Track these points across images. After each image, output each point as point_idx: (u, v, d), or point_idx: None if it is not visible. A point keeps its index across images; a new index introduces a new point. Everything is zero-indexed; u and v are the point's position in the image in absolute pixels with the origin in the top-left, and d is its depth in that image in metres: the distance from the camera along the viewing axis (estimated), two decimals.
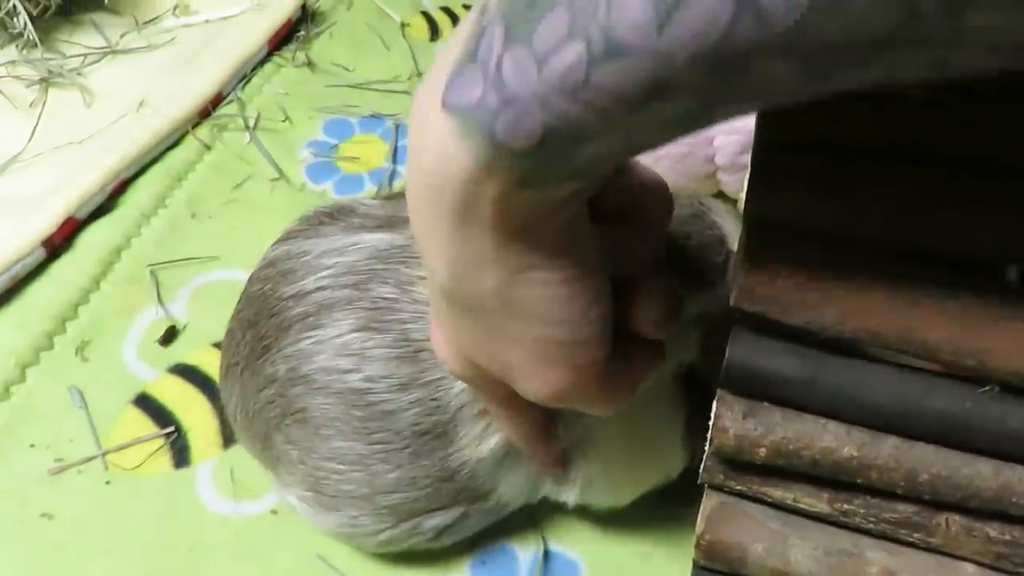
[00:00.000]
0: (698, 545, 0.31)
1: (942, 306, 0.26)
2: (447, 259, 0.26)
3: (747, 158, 0.54)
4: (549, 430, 0.36)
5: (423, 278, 0.37)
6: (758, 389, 0.28)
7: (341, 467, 0.38)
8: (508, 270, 0.26)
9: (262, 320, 0.39)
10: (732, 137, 0.54)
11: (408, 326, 0.37)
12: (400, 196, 0.44)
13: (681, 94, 0.20)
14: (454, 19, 0.79)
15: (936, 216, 0.26)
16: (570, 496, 0.40)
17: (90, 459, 0.47)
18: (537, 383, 0.29)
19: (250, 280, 0.42)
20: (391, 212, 0.41)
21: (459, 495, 0.39)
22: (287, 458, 0.40)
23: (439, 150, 0.23)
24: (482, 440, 0.37)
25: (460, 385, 0.36)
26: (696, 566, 0.32)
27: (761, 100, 0.22)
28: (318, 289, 0.38)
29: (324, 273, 0.38)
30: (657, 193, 0.32)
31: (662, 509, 0.43)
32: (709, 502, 0.31)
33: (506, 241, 0.25)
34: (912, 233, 0.26)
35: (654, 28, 0.19)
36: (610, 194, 0.30)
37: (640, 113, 0.21)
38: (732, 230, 0.37)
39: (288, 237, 0.42)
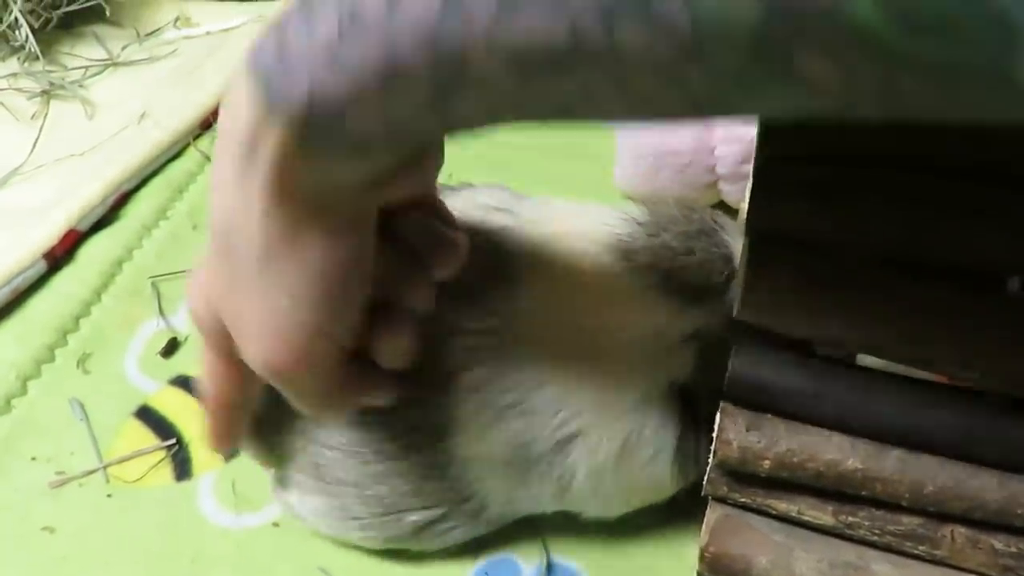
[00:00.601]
0: (702, 557, 0.31)
1: (945, 317, 0.26)
2: (226, 201, 0.27)
3: (749, 167, 0.54)
4: (241, 411, 0.36)
5: None
6: (762, 401, 0.28)
7: (338, 455, 0.39)
8: (276, 232, 0.26)
9: None
10: (734, 147, 0.54)
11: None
12: None
13: (414, 81, 0.22)
14: None
15: (939, 227, 0.26)
16: (550, 505, 0.40)
17: (91, 472, 0.47)
18: (260, 350, 0.29)
19: None
20: None
21: (443, 495, 0.39)
22: (290, 448, 0.40)
23: (236, 100, 0.25)
24: (478, 442, 0.38)
25: (462, 388, 0.37)
26: None
27: (489, 105, 0.22)
28: None
29: None
30: (446, 248, 0.33)
31: (666, 521, 0.43)
32: (713, 514, 0.31)
33: (281, 204, 0.26)
34: (915, 244, 0.26)
35: (385, 7, 0.21)
36: (408, 224, 0.31)
37: (385, 92, 0.22)
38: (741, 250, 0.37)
39: None
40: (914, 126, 0.26)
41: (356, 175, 0.26)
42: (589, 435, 0.36)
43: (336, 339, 0.30)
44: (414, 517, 0.40)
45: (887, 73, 0.17)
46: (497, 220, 0.38)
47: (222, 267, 0.29)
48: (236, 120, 0.25)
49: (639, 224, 0.38)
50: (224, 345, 0.31)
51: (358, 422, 0.38)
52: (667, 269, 0.36)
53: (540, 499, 0.40)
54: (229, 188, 0.27)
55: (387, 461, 0.38)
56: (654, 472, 0.38)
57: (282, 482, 0.42)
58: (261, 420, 0.41)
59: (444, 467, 0.38)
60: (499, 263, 0.37)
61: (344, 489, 0.40)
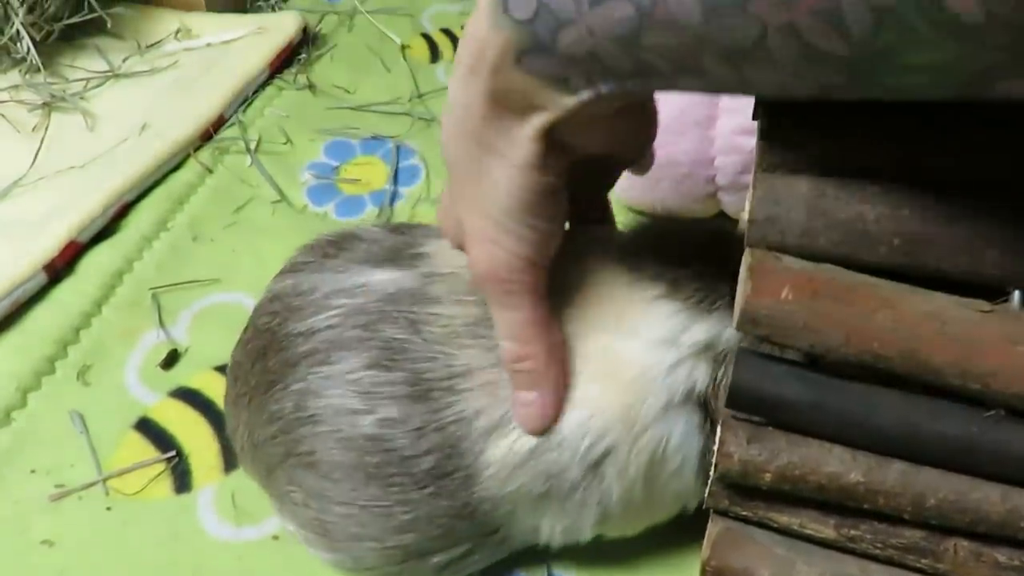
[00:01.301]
0: (704, 571, 0.31)
1: (947, 329, 0.26)
2: (455, 101, 0.31)
3: (748, 178, 0.54)
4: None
5: (434, 314, 0.37)
6: (763, 413, 0.28)
7: (353, 511, 0.37)
8: (489, 139, 0.30)
9: (270, 354, 0.39)
10: (733, 157, 0.54)
11: (419, 366, 0.36)
12: (403, 226, 0.44)
13: (621, 5, 0.24)
14: (454, 41, 0.79)
15: (940, 238, 0.26)
16: (583, 534, 0.39)
17: (91, 484, 0.47)
18: (475, 253, 0.33)
19: (256, 312, 0.41)
20: (396, 244, 0.40)
21: (472, 532, 0.38)
22: (290, 499, 0.39)
23: (474, 19, 0.29)
24: (508, 479, 0.36)
25: (479, 427, 0.36)
26: None
27: (678, 32, 0.24)
28: (328, 327, 0.37)
29: (333, 312, 0.37)
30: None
31: (667, 535, 0.43)
32: (715, 527, 0.31)
33: (495, 112, 0.29)
34: (916, 255, 0.26)
35: None
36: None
37: (595, 9, 0.25)
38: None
39: (293, 270, 0.41)
40: (914, 139, 0.26)
41: (559, 108, 0.28)
42: (619, 452, 0.36)
43: (535, 254, 0.33)
44: (438, 559, 0.39)
45: None
46: None
47: (449, 181, 0.33)
48: (471, 36, 0.29)
49: (648, 228, 0.38)
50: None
51: (373, 475, 0.37)
52: (673, 278, 0.35)
53: (580, 525, 0.39)
54: (458, 88, 0.30)
55: (413, 512, 0.37)
56: (680, 484, 0.37)
57: (279, 512, 0.41)
58: (251, 455, 0.41)
59: (474, 508, 0.37)
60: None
61: (360, 544, 0.38)
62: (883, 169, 0.26)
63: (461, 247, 0.35)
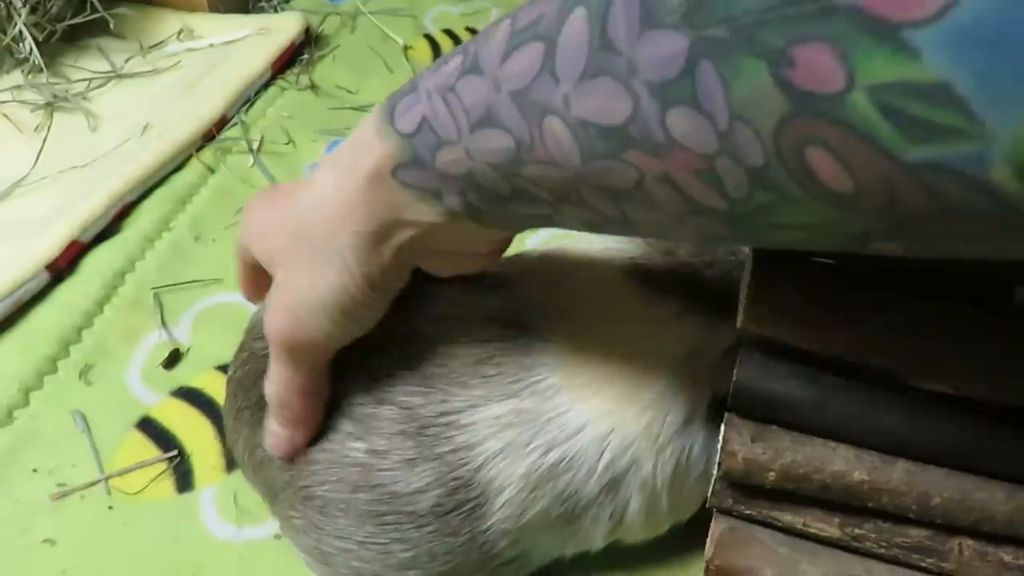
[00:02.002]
0: (707, 570, 0.31)
1: (952, 329, 0.26)
2: (323, 184, 0.31)
3: None
4: None
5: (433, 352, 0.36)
6: (767, 412, 0.28)
7: (351, 547, 0.36)
8: (339, 236, 0.30)
9: (264, 374, 0.37)
10: None
11: (412, 400, 0.35)
12: None
13: (501, 129, 0.25)
14: (456, 41, 0.79)
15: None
16: (600, 543, 0.39)
17: (93, 484, 0.47)
18: (280, 320, 0.33)
19: (249, 334, 0.41)
20: None
21: (485, 564, 0.37)
22: (291, 524, 0.38)
23: (366, 119, 0.30)
24: (526, 509, 0.35)
25: (484, 455, 0.34)
26: None
27: (557, 168, 0.24)
28: None
29: None
30: None
31: (670, 535, 0.43)
32: (718, 526, 0.31)
33: (357, 217, 0.30)
34: (913, 259, 0.26)
35: (499, 59, 0.24)
36: None
37: (475, 134, 0.26)
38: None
39: None
40: None
41: (425, 222, 0.30)
42: (642, 466, 0.35)
43: (335, 344, 0.34)
44: None
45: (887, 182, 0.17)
46: (505, 292, 0.37)
47: (291, 242, 0.32)
48: (357, 137, 0.30)
49: (649, 244, 0.37)
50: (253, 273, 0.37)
51: (369, 512, 0.35)
52: (690, 286, 0.35)
53: (591, 539, 0.38)
54: (329, 182, 0.31)
55: (415, 549, 0.35)
56: (705, 486, 0.36)
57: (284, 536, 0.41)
58: (253, 471, 0.40)
59: (484, 540, 0.36)
60: (511, 318, 0.36)
61: None
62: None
63: (251, 284, 0.39)
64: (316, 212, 0.31)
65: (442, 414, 0.35)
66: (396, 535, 0.35)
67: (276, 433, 0.37)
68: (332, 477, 0.36)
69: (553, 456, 0.34)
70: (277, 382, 0.35)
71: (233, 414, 0.41)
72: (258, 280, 0.38)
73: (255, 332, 0.40)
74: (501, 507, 0.35)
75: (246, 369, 0.40)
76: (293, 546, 0.40)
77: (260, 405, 0.38)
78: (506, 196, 0.27)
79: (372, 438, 0.35)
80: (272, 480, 0.39)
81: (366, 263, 0.31)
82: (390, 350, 0.36)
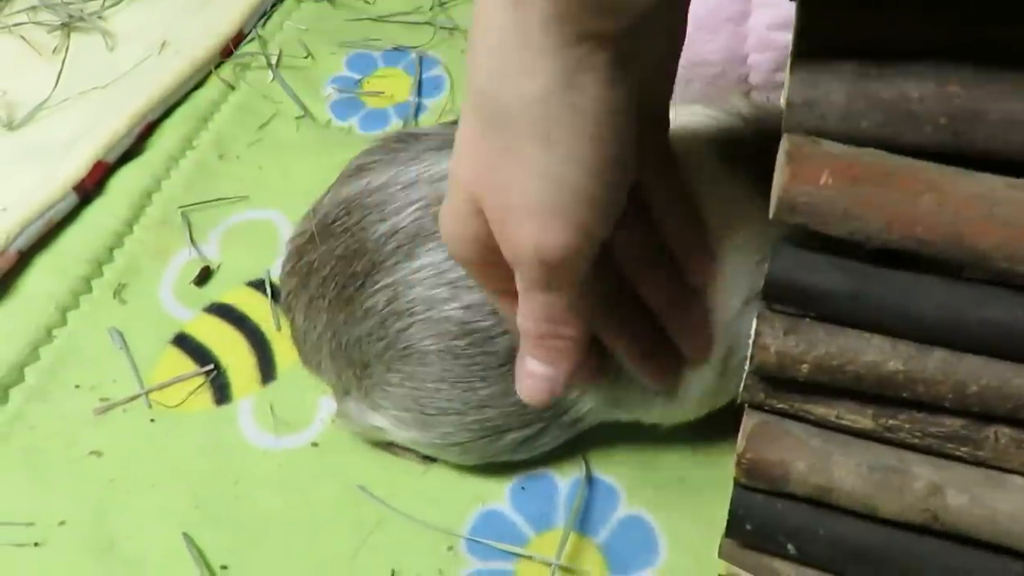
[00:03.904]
0: (739, 464, 0.31)
1: (996, 211, 0.25)
2: (496, 49, 0.25)
3: (783, 76, 0.53)
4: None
5: None
6: (800, 304, 0.28)
7: (443, 387, 0.39)
8: (556, 77, 0.24)
9: (355, 255, 0.40)
10: (767, 54, 0.52)
11: None
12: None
13: None
14: None
15: (988, 113, 0.25)
16: (648, 415, 0.41)
17: (134, 398, 0.48)
18: (533, 231, 0.26)
19: (323, 219, 0.42)
20: None
21: (545, 411, 0.40)
22: (385, 383, 0.41)
23: None
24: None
25: None
26: (737, 484, 0.32)
27: None
28: (413, 222, 0.39)
29: (417, 204, 0.39)
30: (703, 261, 0.35)
31: (698, 434, 0.43)
32: (750, 421, 0.31)
33: (563, 42, 0.24)
34: (964, 134, 0.25)
35: None
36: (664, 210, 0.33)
37: None
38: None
39: (358, 172, 0.42)
40: (968, 5, 0.24)
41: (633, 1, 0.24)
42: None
43: (605, 210, 0.27)
44: (512, 436, 0.41)
45: None
46: None
47: (485, 140, 0.26)
48: None
49: (744, 118, 0.37)
50: (492, 273, 0.30)
51: (457, 353, 0.39)
52: (767, 165, 0.34)
53: (646, 409, 0.40)
54: (497, 31, 0.24)
55: (493, 387, 0.39)
56: (744, 373, 0.37)
57: (367, 405, 0.42)
58: (331, 353, 0.42)
59: None
60: None
61: (447, 418, 0.40)
62: (931, 41, 0.24)
63: (479, 239, 0.29)
64: (503, 76, 0.25)
65: None
66: (480, 373, 0.39)
67: (539, 374, 0.31)
68: (432, 332, 0.38)
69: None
70: (538, 312, 0.30)
71: (302, 305, 0.42)
72: (497, 263, 0.29)
73: (329, 217, 0.41)
74: None
75: (322, 253, 0.41)
76: (382, 414, 0.42)
77: (348, 288, 0.40)
78: None
79: (463, 292, 0.38)
80: (364, 354, 0.41)
81: (597, 75, 0.24)
82: None
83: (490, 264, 0.30)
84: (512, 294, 0.30)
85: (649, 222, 0.34)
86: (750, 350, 0.29)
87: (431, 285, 0.38)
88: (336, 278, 0.41)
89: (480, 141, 0.27)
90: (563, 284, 0.29)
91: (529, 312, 0.30)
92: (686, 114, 0.38)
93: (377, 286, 0.39)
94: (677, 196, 0.34)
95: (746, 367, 0.30)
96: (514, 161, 0.26)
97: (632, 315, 0.35)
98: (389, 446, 0.45)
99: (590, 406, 0.40)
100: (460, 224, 0.29)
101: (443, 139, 0.41)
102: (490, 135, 0.26)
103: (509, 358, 0.38)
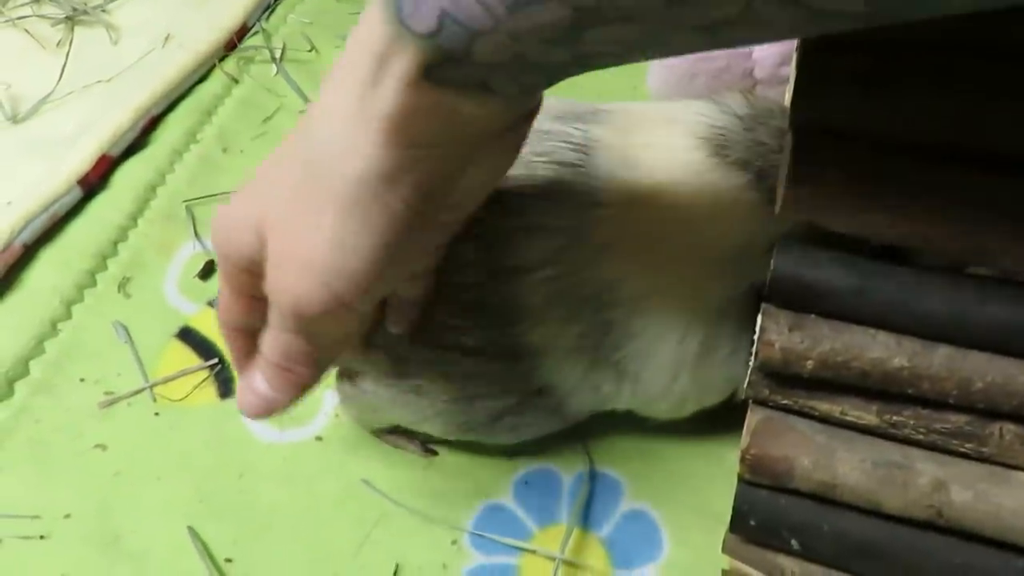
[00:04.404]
0: (743, 459, 0.31)
1: (999, 209, 0.25)
2: (331, 128, 0.26)
3: (787, 70, 0.52)
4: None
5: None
6: (805, 301, 0.28)
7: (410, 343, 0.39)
8: (378, 169, 0.26)
9: None
10: (771, 49, 0.52)
11: (483, 211, 0.36)
12: None
13: (551, 7, 0.21)
14: None
15: (991, 112, 0.25)
16: (624, 402, 0.40)
17: (138, 391, 0.48)
18: (295, 285, 0.28)
19: None
20: None
21: (513, 383, 0.39)
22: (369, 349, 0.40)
23: (366, 25, 0.25)
24: (547, 330, 0.37)
25: (535, 280, 0.36)
26: (741, 480, 0.32)
27: (632, 22, 0.22)
28: None
29: None
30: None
31: (703, 430, 0.43)
32: (754, 417, 0.31)
33: (395, 139, 0.26)
34: (965, 131, 0.25)
35: None
36: None
37: (515, 15, 0.22)
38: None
39: None
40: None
41: (476, 116, 0.26)
42: (669, 335, 0.36)
43: (367, 302, 0.29)
44: (486, 404, 0.40)
45: None
46: (578, 128, 0.38)
47: (292, 185, 0.28)
48: (363, 45, 0.25)
49: (738, 117, 0.37)
50: (244, 281, 0.31)
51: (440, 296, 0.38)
52: (760, 168, 0.34)
53: (618, 394, 0.40)
54: (340, 115, 0.26)
55: (453, 332, 0.38)
56: (729, 372, 0.38)
57: (349, 374, 0.42)
58: None
59: (509, 351, 0.38)
60: (581, 166, 0.37)
61: (417, 366, 0.39)
62: (936, 40, 0.24)
63: (244, 259, 0.30)
64: (333, 146, 0.26)
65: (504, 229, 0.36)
66: (452, 320, 0.38)
67: (262, 394, 0.33)
68: None
69: (584, 292, 0.36)
70: (277, 345, 0.31)
71: None
72: (253, 276, 0.31)
73: None
74: (527, 322, 0.37)
75: None
76: (370, 379, 0.41)
77: None
78: (566, 63, 0.24)
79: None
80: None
81: (418, 186, 0.27)
82: None
83: (246, 273, 0.31)
84: (251, 300, 0.32)
85: None
86: (755, 346, 0.29)
87: None
88: None
89: (288, 180, 0.28)
90: (310, 335, 0.30)
91: (272, 341, 0.31)
92: (688, 111, 0.38)
93: None
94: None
95: (751, 363, 0.30)
96: (311, 216, 0.27)
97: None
98: (392, 437, 0.45)
99: (571, 387, 0.39)
100: (239, 233, 0.30)
101: None
102: (301, 182, 0.28)
103: (471, 311, 0.37)
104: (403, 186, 0.27)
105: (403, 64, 0.24)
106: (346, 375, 0.43)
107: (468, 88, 0.25)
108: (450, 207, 0.30)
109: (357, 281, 0.28)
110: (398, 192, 0.27)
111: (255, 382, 0.33)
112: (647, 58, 0.24)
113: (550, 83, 0.26)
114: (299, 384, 0.32)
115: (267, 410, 0.33)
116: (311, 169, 0.27)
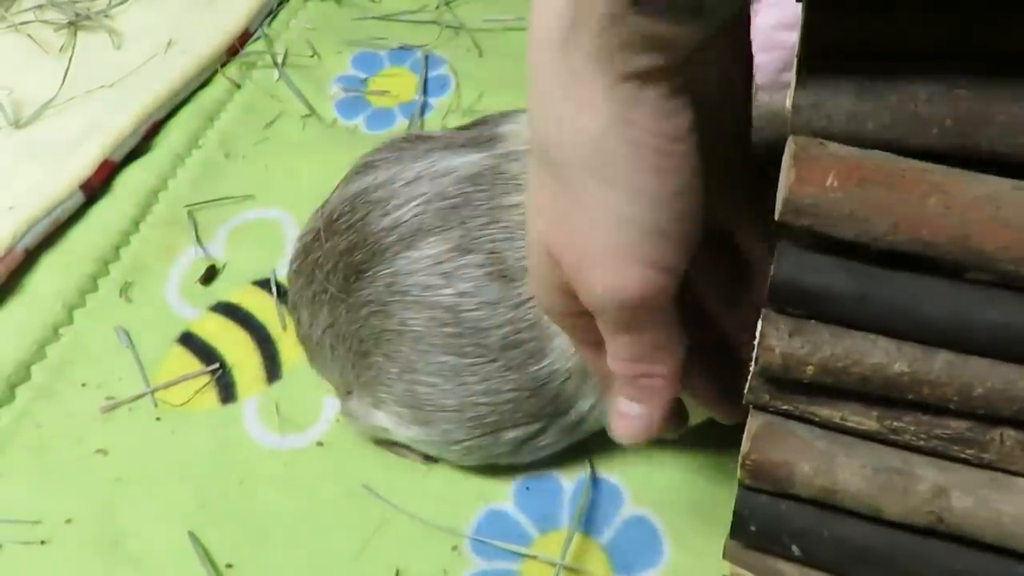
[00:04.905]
0: (744, 465, 0.31)
1: (1001, 214, 0.25)
2: (548, 94, 0.24)
3: (788, 76, 0.52)
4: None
5: (515, 205, 0.38)
6: (805, 306, 0.28)
7: (437, 380, 0.40)
8: (610, 115, 0.24)
9: (357, 248, 0.40)
10: (772, 54, 0.52)
11: (499, 244, 0.38)
12: (475, 121, 0.44)
13: None
14: None
15: (995, 115, 0.24)
16: None
17: (140, 396, 0.48)
18: (606, 276, 0.26)
19: (329, 216, 0.42)
20: (472, 133, 0.42)
21: (542, 410, 0.40)
22: (386, 375, 0.41)
23: None
24: (573, 354, 0.38)
25: None
26: (741, 485, 0.32)
27: None
28: (414, 216, 0.39)
29: (418, 200, 0.39)
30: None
31: (704, 437, 0.43)
32: (754, 422, 0.31)
33: (614, 80, 0.23)
34: (968, 135, 0.25)
35: None
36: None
37: None
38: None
39: (365, 169, 0.42)
40: (974, 9, 0.24)
41: (691, 39, 0.23)
42: None
43: (679, 244, 0.26)
44: (512, 434, 0.41)
45: None
46: None
47: (548, 191, 0.26)
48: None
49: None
50: (576, 323, 0.30)
51: (449, 341, 0.39)
52: (764, 170, 0.34)
53: None
54: (551, 79, 0.24)
55: (486, 382, 0.39)
56: None
57: (370, 403, 0.43)
58: (333, 347, 0.42)
59: (543, 383, 0.39)
60: None
61: (444, 415, 0.40)
62: (938, 43, 0.24)
63: (562, 289, 0.28)
64: (558, 122, 0.24)
65: (519, 259, 0.38)
66: (471, 368, 0.39)
67: (633, 414, 0.31)
68: (425, 315, 0.39)
69: None
70: (622, 355, 0.29)
71: (306, 300, 0.43)
72: (584, 313, 0.28)
73: (334, 213, 0.42)
74: (555, 349, 0.38)
75: (326, 248, 0.41)
76: (384, 410, 0.42)
77: (346, 282, 0.40)
78: None
79: (458, 281, 0.38)
80: (362, 343, 0.41)
81: (658, 114, 0.24)
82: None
83: (576, 314, 0.29)
84: (601, 344, 0.30)
85: (732, 251, 0.32)
86: (755, 351, 0.29)
87: (428, 273, 0.39)
88: (338, 272, 0.41)
89: (545, 191, 0.26)
90: (645, 323, 0.28)
91: (616, 354, 0.29)
92: None
93: (377, 275, 0.40)
94: (762, 222, 0.31)
95: (751, 368, 0.30)
96: (578, 205, 0.25)
97: (710, 350, 0.33)
98: (392, 446, 0.45)
99: (591, 403, 0.40)
100: (543, 278, 0.29)
101: (449, 141, 0.41)
102: (552, 182, 0.26)
103: (502, 353, 0.38)
104: (641, 124, 0.24)
105: (603, 2, 0.22)
106: (362, 406, 0.43)
107: (678, 9, 0.22)
108: (710, 116, 0.26)
109: (654, 240, 0.25)
110: (642, 127, 0.24)
111: (621, 407, 0.31)
112: None
113: None
114: (662, 388, 0.30)
115: (646, 429, 0.31)
116: (550, 158, 0.25)
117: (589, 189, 0.25)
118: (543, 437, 0.41)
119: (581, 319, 0.29)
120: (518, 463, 0.43)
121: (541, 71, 0.25)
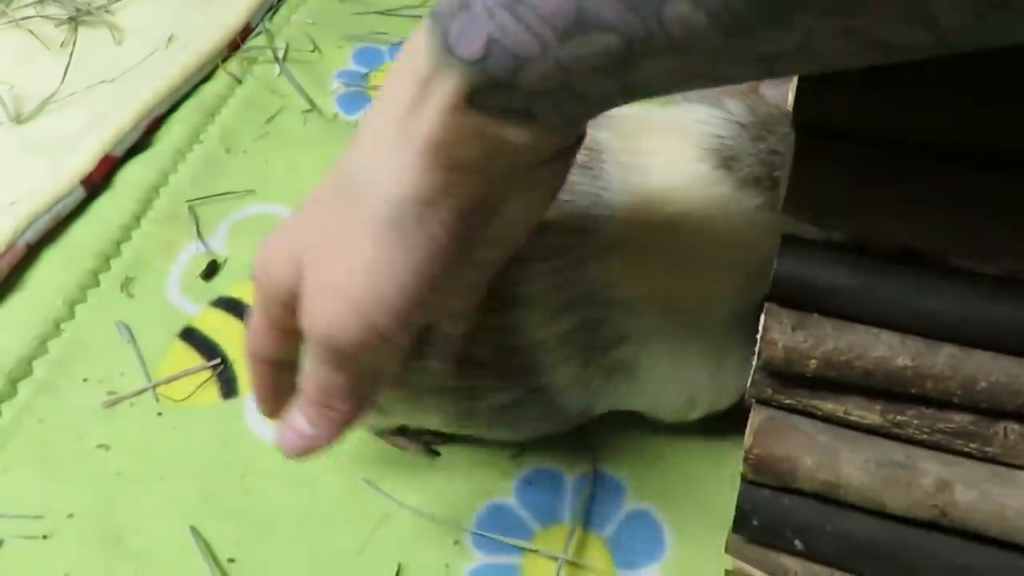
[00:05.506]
0: (746, 459, 0.31)
1: (1001, 208, 0.25)
2: (373, 151, 0.26)
3: None
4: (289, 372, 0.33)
5: None
6: (808, 300, 0.28)
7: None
8: (418, 193, 0.26)
9: None
10: None
11: None
12: None
13: (603, 30, 0.21)
14: None
15: (992, 113, 0.24)
16: (625, 403, 0.40)
17: (141, 391, 0.48)
18: (330, 312, 0.28)
19: None
20: None
21: (517, 376, 0.38)
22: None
23: (411, 49, 0.25)
24: (545, 320, 0.37)
25: (535, 271, 0.36)
26: (744, 480, 0.32)
27: (685, 54, 0.21)
28: None
29: None
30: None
31: (706, 431, 0.43)
32: (757, 416, 0.31)
33: (435, 163, 0.26)
34: (967, 132, 0.25)
35: None
36: None
37: (566, 44, 0.22)
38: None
39: None
40: None
41: (517, 145, 0.25)
42: (670, 341, 0.36)
43: (404, 334, 0.28)
44: (488, 400, 0.39)
45: None
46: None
47: (331, 216, 0.28)
48: (408, 68, 0.25)
49: (741, 125, 0.36)
50: (278, 313, 0.31)
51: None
52: (776, 180, 0.34)
53: (612, 394, 0.40)
54: (381, 138, 0.26)
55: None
56: (739, 380, 0.37)
57: None
58: None
59: (512, 340, 0.37)
60: (589, 178, 0.36)
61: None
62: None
63: (282, 291, 0.30)
64: (373, 171, 0.26)
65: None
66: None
67: (301, 431, 0.32)
68: None
69: (579, 290, 0.36)
70: (315, 382, 0.31)
71: None
72: (292, 308, 0.30)
73: None
74: (524, 309, 0.37)
75: None
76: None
77: None
78: (612, 94, 0.24)
79: None
80: None
81: (457, 211, 0.26)
82: None
83: (282, 306, 0.30)
84: (284, 333, 0.31)
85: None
86: (757, 345, 0.29)
87: None
88: None
89: (328, 209, 0.28)
90: (346, 369, 0.29)
91: (310, 378, 0.31)
92: (686, 116, 0.37)
93: None
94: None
95: (754, 363, 0.30)
96: (348, 241, 0.27)
97: None
98: (394, 438, 0.45)
99: (567, 382, 0.39)
100: (277, 264, 0.30)
101: None
102: (340, 212, 0.27)
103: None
104: (442, 210, 0.26)
105: (447, 88, 0.24)
106: None
107: (511, 115, 0.24)
108: (489, 242, 0.30)
109: (394, 310, 0.27)
110: (437, 216, 0.26)
111: (295, 421, 0.32)
112: (694, 88, 0.24)
113: (593, 114, 0.26)
114: (339, 421, 0.31)
115: (308, 448, 0.32)
116: (350, 194, 0.27)
117: (364, 235, 0.27)
118: (522, 411, 0.39)
119: (285, 311, 0.30)
120: (505, 439, 0.42)
121: (379, 125, 0.26)
